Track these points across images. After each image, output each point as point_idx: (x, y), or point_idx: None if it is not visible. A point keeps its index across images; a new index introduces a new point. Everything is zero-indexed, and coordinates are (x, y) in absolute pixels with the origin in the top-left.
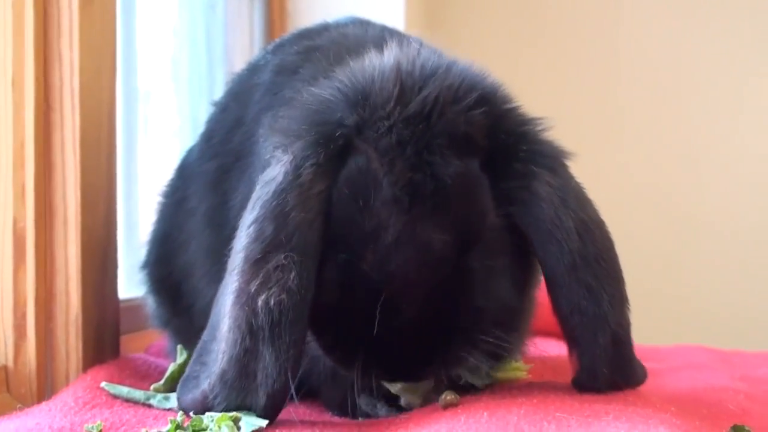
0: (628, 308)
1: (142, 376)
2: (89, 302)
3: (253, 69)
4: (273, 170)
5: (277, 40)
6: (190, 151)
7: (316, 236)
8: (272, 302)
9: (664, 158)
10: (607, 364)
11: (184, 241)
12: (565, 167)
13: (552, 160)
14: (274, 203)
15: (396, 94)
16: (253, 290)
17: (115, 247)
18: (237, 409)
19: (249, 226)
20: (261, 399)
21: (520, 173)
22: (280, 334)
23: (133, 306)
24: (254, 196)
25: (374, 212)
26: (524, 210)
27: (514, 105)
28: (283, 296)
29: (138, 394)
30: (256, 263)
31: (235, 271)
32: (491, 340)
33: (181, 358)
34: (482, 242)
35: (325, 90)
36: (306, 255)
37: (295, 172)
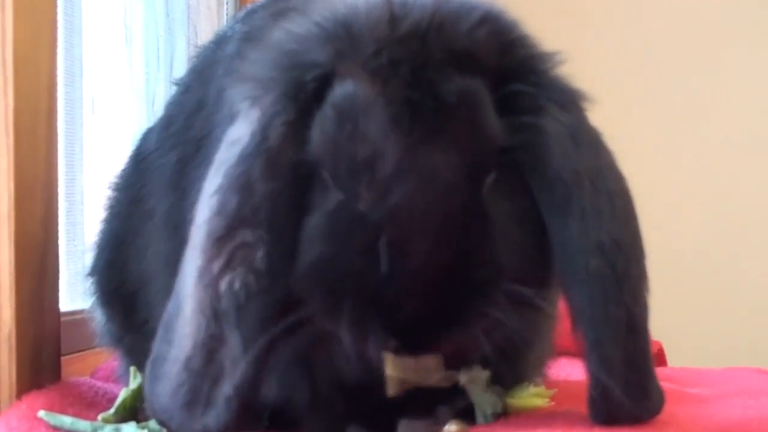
0: (647, 289)
1: (88, 403)
2: (24, 316)
3: (219, 41)
4: (238, 129)
5: (249, 5)
6: (146, 137)
7: (287, 209)
8: (237, 285)
9: (725, 161)
10: (620, 348)
11: (139, 246)
12: (579, 107)
13: (564, 95)
14: (238, 171)
15: (386, 18)
16: (216, 271)
17: (55, 250)
18: (206, 399)
19: (211, 196)
20: (227, 390)
21: (525, 108)
22: (247, 320)
23: (77, 321)
24: (218, 158)
25: (368, 138)
26: (528, 150)
27: (522, 32)
28: (250, 278)
29: (83, 425)
30: (219, 240)
31: (197, 248)
32: (521, 292)
33: (134, 382)
34: (495, 177)
35: (300, 26)
36: (275, 231)
37: (262, 134)
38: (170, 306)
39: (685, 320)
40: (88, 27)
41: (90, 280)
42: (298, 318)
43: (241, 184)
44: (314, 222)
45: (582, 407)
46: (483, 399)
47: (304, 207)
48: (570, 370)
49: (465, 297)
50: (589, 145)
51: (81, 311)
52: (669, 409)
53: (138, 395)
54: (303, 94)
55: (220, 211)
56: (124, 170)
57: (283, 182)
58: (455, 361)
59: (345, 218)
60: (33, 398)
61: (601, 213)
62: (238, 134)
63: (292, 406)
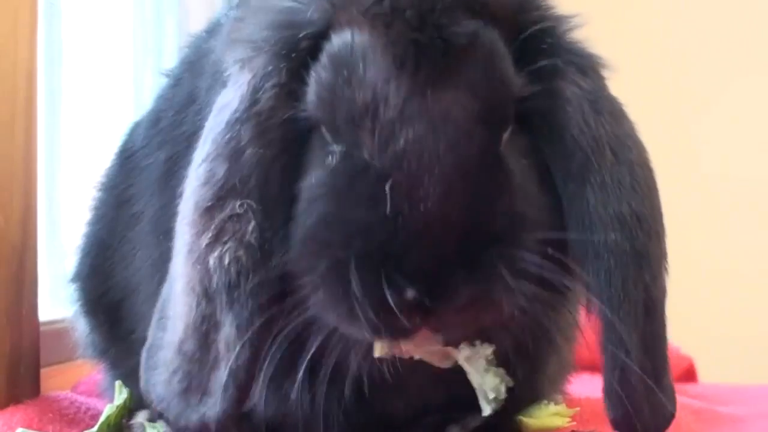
0: (666, 270)
1: (70, 420)
2: (1, 325)
3: (212, 30)
4: (228, 94)
5: None
6: (133, 133)
7: (280, 177)
8: (227, 260)
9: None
10: (637, 330)
11: (126, 252)
12: (598, 72)
13: (583, 59)
14: (227, 137)
15: None
16: (204, 245)
17: (34, 253)
18: (202, 386)
19: (199, 166)
20: (222, 376)
21: (541, 70)
22: (239, 298)
23: (57, 331)
24: (206, 126)
25: (368, 82)
26: (545, 115)
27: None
28: (240, 252)
29: None
30: (207, 212)
31: (185, 222)
32: (540, 256)
33: (120, 397)
34: (513, 133)
35: None
36: (267, 201)
37: (252, 97)
38: (164, 289)
39: (717, 333)
40: (69, 9)
41: (73, 287)
42: (297, 300)
43: (229, 151)
44: (313, 182)
45: (606, 428)
46: (484, 381)
47: (301, 171)
48: (592, 387)
49: (483, 246)
50: (610, 113)
51: (62, 320)
52: (702, 430)
53: (123, 411)
54: (296, 53)
55: (207, 180)
56: (110, 168)
57: (274, 148)
58: (474, 330)
59: (347, 170)
60: (10, 414)
61: (621, 184)
62: (227, 99)
63: (290, 424)
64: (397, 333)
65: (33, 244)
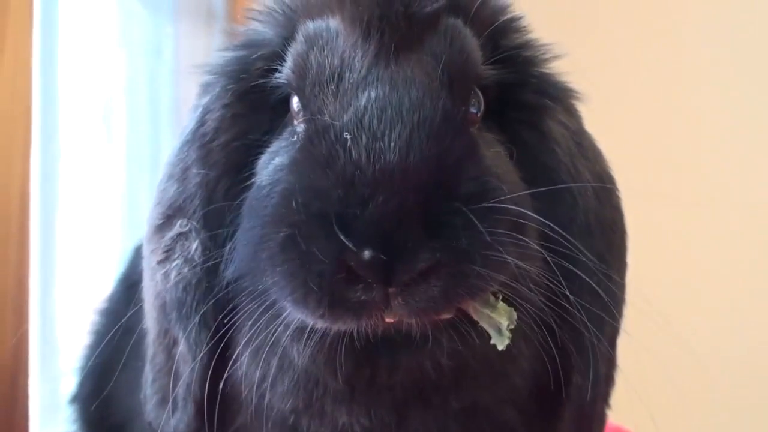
0: (622, 313)
1: None
2: None
3: None
4: (188, 117)
5: None
6: (135, 258)
7: (222, 197)
8: (173, 276)
9: None
10: (604, 361)
11: (128, 378)
12: (577, 108)
13: (566, 95)
14: (177, 158)
15: None
16: (156, 262)
17: (26, 374)
18: (173, 398)
19: (156, 187)
20: (180, 390)
21: (529, 105)
22: (188, 314)
23: None
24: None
25: (337, 49)
26: (532, 153)
27: (515, 13)
28: (185, 270)
29: None
30: (158, 230)
31: (144, 239)
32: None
33: None
34: (485, 126)
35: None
36: (209, 221)
37: (200, 120)
38: None
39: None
40: (66, 121)
41: (72, 408)
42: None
43: (179, 172)
44: (276, 165)
45: None
46: (495, 312)
47: (273, 154)
48: None
49: (447, 210)
50: (592, 152)
51: None
52: None
53: None
54: (247, 74)
55: (160, 200)
56: (111, 295)
57: (219, 169)
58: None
59: (308, 137)
60: None
61: (603, 225)
62: (186, 122)
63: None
64: (354, 308)
65: (25, 365)
